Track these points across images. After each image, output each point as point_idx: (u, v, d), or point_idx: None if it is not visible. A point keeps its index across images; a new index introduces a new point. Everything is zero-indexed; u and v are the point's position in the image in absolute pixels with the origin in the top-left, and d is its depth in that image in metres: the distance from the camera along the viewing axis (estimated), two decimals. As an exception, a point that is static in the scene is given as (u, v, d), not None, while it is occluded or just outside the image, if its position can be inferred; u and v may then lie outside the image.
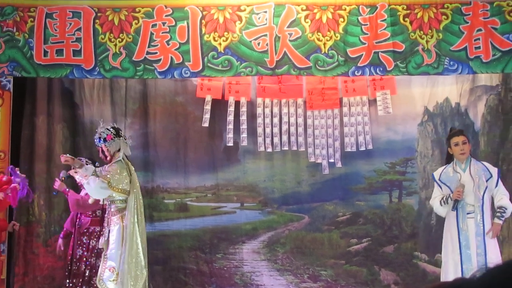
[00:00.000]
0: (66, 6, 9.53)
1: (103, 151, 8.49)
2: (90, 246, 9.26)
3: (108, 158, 8.49)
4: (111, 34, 9.48)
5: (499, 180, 8.39)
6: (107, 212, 8.40)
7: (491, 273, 1.80)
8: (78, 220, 9.46)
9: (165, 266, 10.48)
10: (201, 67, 9.48)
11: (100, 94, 10.73)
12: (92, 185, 8.12)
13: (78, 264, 9.26)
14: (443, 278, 8.41)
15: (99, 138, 8.45)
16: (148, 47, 9.47)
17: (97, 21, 9.49)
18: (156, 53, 9.47)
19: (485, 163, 8.53)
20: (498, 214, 8.21)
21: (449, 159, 8.53)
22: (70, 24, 9.47)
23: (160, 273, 10.49)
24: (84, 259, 9.25)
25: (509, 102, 10.46)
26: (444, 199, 8.18)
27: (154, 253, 10.27)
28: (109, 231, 8.27)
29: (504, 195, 8.32)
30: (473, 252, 8.02)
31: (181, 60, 9.45)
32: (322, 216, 10.80)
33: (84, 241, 9.31)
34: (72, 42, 9.48)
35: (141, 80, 10.44)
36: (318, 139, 10.60)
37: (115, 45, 9.47)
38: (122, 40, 9.49)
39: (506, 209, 8.23)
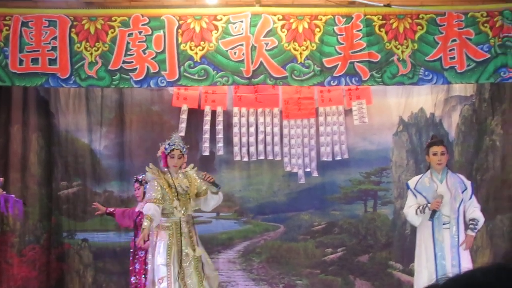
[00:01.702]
0: (42, 15, 9.45)
1: (178, 158, 8.45)
2: (147, 260, 9.32)
3: (180, 168, 8.53)
4: (87, 43, 9.41)
5: (473, 193, 8.45)
6: (187, 224, 8.38)
7: (453, 281, 1.82)
8: (135, 235, 9.58)
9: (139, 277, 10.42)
10: (177, 77, 9.44)
11: (76, 103, 10.69)
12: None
13: (137, 277, 9.32)
14: (416, 288, 8.44)
15: (183, 147, 8.49)
16: (124, 56, 9.41)
17: (73, 29, 9.41)
18: (132, 62, 9.42)
19: (460, 175, 8.57)
20: (471, 226, 8.24)
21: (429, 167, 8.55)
22: (46, 32, 9.39)
23: (135, 282, 10.45)
24: (143, 272, 9.31)
25: (483, 112, 10.53)
26: (421, 208, 8.17)
27: (129, 263, 10.24)
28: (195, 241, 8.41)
29: (476, 207, 8.37)
30: (448, 263, 8.04)
31: (157, 69, 9.41)
32: (298, 225, 10.80)
33: (141, 255, 9.35)
34: (47, 50, 9.40)
35: (117, 89, 10.41)
36: (294, 148, 10.61)
37: (91, 54, 9.41)
38: (98, 49, 9.43)
39: (478, 221, 8.27)
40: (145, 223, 8.07)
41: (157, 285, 8.19)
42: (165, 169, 8.44)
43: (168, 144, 8.41)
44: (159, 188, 8.29)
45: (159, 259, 8.20)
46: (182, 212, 8.31)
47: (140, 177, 9.52)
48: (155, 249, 8.27)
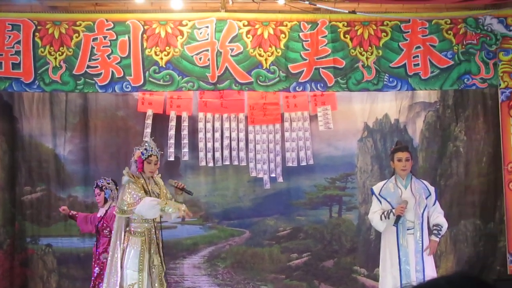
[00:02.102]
0: (5, 19, 9.37)
1: (155, 164, 8.36)
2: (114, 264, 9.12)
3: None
4: (51, 47, 9.35)
5: (436, 199, 8.48)
6: (156, 231, 8.30)
7: None
8: (96, 240, 9.41)
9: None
10: (142, 82, 9.41)
11: (40, 108, 10.58)
12: None
13: (97, 282, 9.12)
14: (381, 293, 8.45)
15: (159, 152, 8.42)
16: (89, 60, 9.37)
17: (37, 34, 9.35)
18: (97, 67, 9.37)
19: (424, 181, 8.59)
20: (435, 231, 8.26)
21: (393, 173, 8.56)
22: (10, 36, 9.31)
23: (99, 288, 10.37)
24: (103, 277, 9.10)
25: (447, 118, 10.60)
26: (385, 214, 8.17)
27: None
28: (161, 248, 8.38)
29: (440, 213, 8.39)
30: (412, 268, 8.05)
31: (122, 74, 9.37)
32: (263, 231, 10.79)
33: (102, 259, 9.15)
34: (11, 55, 9.32)
35: (82, 94, 10.30)
36: (260, 154, 10.59)
37: (55, 58, 9.35)
38: (63, 53, 9.37)
39: (442, 226, 8.29)
40: (170, 206, 8.09)
41: None
42: (138, 174, 8.32)
43: (145, 149, 8.27)
44: (142, 190, 8.18)
45: (130, 265, 8.09)
46: (154, 218, 8.24)
47: (100, 182, 9.43)
48: (125, 255, 8.15)
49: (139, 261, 8.07)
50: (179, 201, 8.43)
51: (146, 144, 8.36)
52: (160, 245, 8.29)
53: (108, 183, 9.36)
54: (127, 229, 8.19)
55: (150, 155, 8.23)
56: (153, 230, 8.19)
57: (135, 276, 8.04)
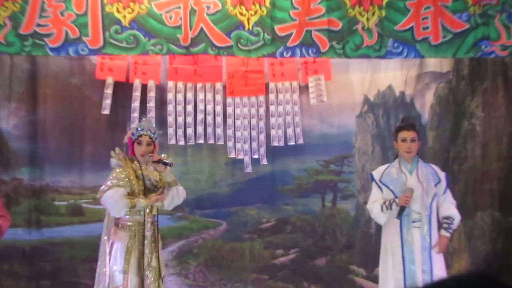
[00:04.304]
0: None
1: (147, 145, 8.30)
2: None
3: (153, 157, 8.34)
4: (-6, 2, 9.35)
5: (448, 186, 8.50)
6: (152, 226, 8.25)
7: None
8: None
9: (54, 281, 10.33)
10: (101, 44, 9.42)
11: (-20, 74, 10.55)
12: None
13: None
14: (381, 297, 8.51)
15: (154, 133, 8.37)
16: (39, 18, 9.36)
17: (-24, -14, 9.34)
18: (47, 25, 9.36)
19: (433, 165, 8.58)
20: (445, 225, 8.25)
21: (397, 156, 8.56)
22: None
23: (48, 288, 10.39)
24: None
25: (461, 91, 10.63)
26: (387, 204, 8.17)
27: (41, 265, 10.18)
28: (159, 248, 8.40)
29: (451, 203, 8.38)
30: (418, 269, 8.06)
31: (77, 35, 9.37)
32: (243, 222, 10.82)
33: None
34: None
35: (29, 58, 10.26)
36: (240, 131, 10.61)
37: (-2, 15, 9.34)
38: (7, 9, 9.35)
39: (453, 219, 8.26)
40: (141, 202, 8.07)
41: None
42: (132, 157, 8.32)
43: (136, 128, 8.29)
44: (126, 179, 8.14)
45: (114, 264, 8.08)
46: (148, 211, 8.20)
47: None
48: (111, 252, 8.15)
49: (125, 260, 8.04)
50: (167, 180, 8.36)
51: (139, 123, 8.40)
52: (159, 244, 8.29)
53: None
54: (116, 221, 8.18)
55: (140, 135, 8.22)
56: (147, 225, 8.16)
57: (120, 277, 8.03)
